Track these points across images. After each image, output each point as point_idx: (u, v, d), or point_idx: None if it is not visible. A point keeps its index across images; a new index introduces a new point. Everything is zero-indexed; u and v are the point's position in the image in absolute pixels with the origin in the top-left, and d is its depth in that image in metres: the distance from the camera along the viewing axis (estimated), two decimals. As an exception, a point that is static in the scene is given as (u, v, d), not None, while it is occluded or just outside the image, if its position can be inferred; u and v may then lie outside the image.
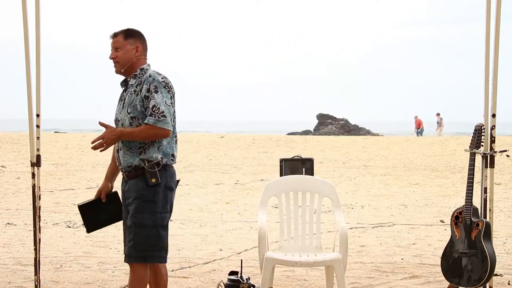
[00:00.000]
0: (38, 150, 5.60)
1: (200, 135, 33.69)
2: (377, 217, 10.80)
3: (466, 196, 5.63)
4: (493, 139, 5.67)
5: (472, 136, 5.73)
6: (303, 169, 6.33)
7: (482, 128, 5.69)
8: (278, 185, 5.87)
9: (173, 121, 4.69)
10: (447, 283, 5.80)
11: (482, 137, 5.68)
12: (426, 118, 41.28)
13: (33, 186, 5.61)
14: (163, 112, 4.58)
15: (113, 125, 4.78)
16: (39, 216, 5.64)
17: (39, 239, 5.66)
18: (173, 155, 4.74)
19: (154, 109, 4.58)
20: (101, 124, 4.67)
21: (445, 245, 5.78)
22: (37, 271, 5.65)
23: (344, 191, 13.89)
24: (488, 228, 5.56)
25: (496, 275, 5.70)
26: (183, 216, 10.76)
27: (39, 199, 5.64)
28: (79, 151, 23.01)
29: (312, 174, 6.30)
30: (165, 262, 4.77)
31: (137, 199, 4.63)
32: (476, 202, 5.70)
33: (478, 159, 5.71)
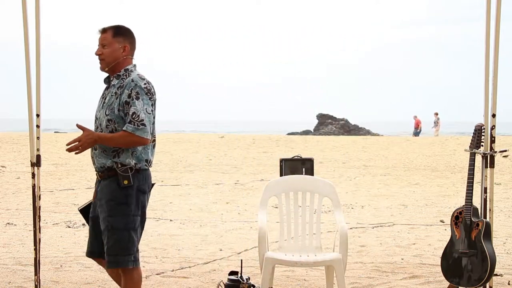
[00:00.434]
0: (38, 150, 5.60)
1: (200, 135, 33.67)
2: (377, 217, 10.80)
3: (466, 196, 5.63)
4: (493, 139, 5.66)
5: (472, 136, 5.73)
6: (303, 169, 6.33)
7: (482, 128, 5.69)
8: (278, 185, 5.87)
9: (152, 128, 4.62)
10: (447, 283, 5.80)
11: (482, 137, 5.68)
12: (426, 118, 41.26)
13: (33, 186, 5.60)
14: (142, 120, 4.51)
15: (93, 122, 4.74)
16: (39, 216, 5.64)
17: (39, 239, 5.66)
18: (147, 160, 4.67)
19: (133, 116, 4.51)
20: (79, 126, 4.61)
21: (445, 245, 5.78)
22: (37, 271, 5.65)
23: (344, 191, 13.89)
24: (488, 228, 5.56)
25: (496, 275, 5.70)
26: (183, 216, 10.76)
27: (39, 199, 5.63)
28: (79, 151, 22.89)
29: (312, 174, 6.30)
30: (138, 265, 4.69)
31: (110, 201, 4.59)
32: (476, 202, 5.69)
33: (478, 159, 5.71)
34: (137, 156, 4.61)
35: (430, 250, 8.03)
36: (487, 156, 5.66)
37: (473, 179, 5.64)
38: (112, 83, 4.69)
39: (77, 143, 4.54)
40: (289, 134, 42.42)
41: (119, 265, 4.63)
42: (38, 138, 5.59)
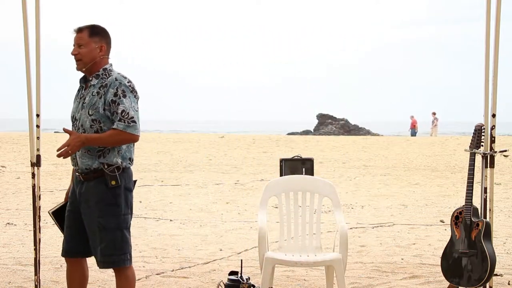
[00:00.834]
0: (38, 150, 5.59)
1: (200, 135, 33.68)
2: (377, 217, 10.79)
3: (466, 196, 5.63)
4: (493, 139, 5.66)
5: (472, 136, 5.73)
6: (303, 169, 6.33)
7: (482, 128, 5.69)
8: (278, 185, 5.87)
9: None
10: (447, 283, 5.80)
11: (482, 137, 5.68)
12: (425, 118, 41.25)
13: (33, 186, 5.60)
14: (132, 117, 4.53)
15: (70, 122, 4.72)
16: (39, 216, 5.64)
17: (39, 239, 5.66)
18: (130, 159, 4.69)
19: (123, 114, 4.52)
20: (65, 130, 4.61)
21: (445, 245, 5.77)
22: (37, 271, 5.65)
23: (344, 191, 13.89)
24: (488, 228, 5.56)
25: (496, 275, 5.70)
26: (183, 216, 10.76)
27: (39, 199, 5.63)
28: (79, 151, 22.90)
29: (312, 174, 6.30)
30: (131, 264, 4.71)
31: (100, 202, 4.60)
32: (476, 202, 5.69)
33: (478, 159, 5.71)
34: (122, 154, 4.63)
35: (430, 250, 8.03)
36: (487, 156, 5.66)
37: (473, 179, 5.64)
38: (92, 83, 4.67)
39: (67, 147, 4.54)
40: (289, 134, 42.43)
41: (114, 264, 4.65)
42: (38, 138, 5.59)
